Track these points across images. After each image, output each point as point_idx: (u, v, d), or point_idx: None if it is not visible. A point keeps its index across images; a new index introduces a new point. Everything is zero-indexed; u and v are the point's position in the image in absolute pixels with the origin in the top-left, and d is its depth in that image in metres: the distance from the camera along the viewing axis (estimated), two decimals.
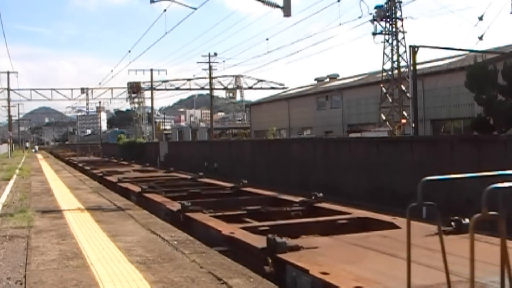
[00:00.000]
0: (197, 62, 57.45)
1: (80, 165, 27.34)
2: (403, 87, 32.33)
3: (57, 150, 76.45)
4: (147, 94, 63.66)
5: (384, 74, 33.71)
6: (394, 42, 32.80)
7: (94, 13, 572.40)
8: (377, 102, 34.53)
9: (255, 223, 7.62)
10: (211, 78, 57.39)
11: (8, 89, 60.36)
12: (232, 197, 11.16)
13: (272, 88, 61.73)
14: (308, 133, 47.00)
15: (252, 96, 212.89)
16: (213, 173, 29.16)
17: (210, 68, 56.99)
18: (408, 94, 30.26)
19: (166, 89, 60.96)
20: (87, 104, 79.76)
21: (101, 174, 18.25)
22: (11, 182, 17.25)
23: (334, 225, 7.31)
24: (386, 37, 32.84)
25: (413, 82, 25.25)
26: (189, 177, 16.08)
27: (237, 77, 60.79)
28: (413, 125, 25.30)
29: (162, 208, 9.42)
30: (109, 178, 16.82)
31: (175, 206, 8.93)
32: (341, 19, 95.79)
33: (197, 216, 8.01)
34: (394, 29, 32.69)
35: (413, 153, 18.22)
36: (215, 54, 56.60)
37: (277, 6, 15.86)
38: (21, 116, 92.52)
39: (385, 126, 33.21)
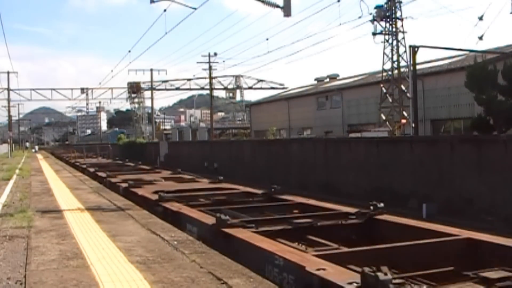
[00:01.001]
0: (197, 62, 57.65)
1: (91, 170, 21.35)
2: (403, 87, 32.34)
3: (58, 151, 75.17)
4: (147, 94, 63.83)
5: (384, 74, 33.72)
6: (394, 42, 32.82)
7: (93, 13, 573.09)
8: (377, 102, 34.53)
9: None
10: (211, 78, 57.42)
11: (8, 89, 60.44)
12: (379, 238, 6.66)
13: (272, 88, 61.83)
14: (308, 133, 47.00)
15: (252, 96, 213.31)
16: (213, 173, 29.15)
17: (210, 68, 57.09)
18: (408, 94, 30.26)
19: (166, 89, 61.09)
20: (87, 104, 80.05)
21: (125, 185, 12.95)
22: (11, 182, 17.24)
23: None
24: (386, 37, 32.87)
25: (413, 82, 25.26)
26: (258, 192, 11.13)
27: (237, 77, 60.89)
28: (413, 125, 25.30)
29: (293, 269, 4.90)
30: (140, 192, 11.51)
31: (337, 274, 4.38)
32: (341, 19, 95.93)
33: None
34: (394, 29, 32.70)
35: (413, 153, 18.21)
36: (215, 54, 56.77)
37: (277, 6, 15.86)
38: (21, 116, 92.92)
39: (385, 126, 33.21)
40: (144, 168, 22.46)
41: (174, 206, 9.00)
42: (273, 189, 10.55)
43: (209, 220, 7.23)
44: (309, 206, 8.97)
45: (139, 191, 11.62)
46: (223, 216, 6.80)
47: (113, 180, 15.42)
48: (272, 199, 10.21)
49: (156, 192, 10.57)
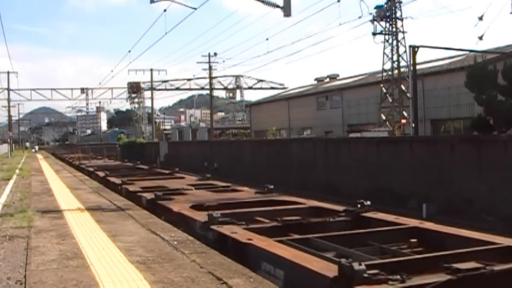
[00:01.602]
0: (197, 62, 57.74)
1: (100, 174, 18.01)
2: (403, 87, 32.35)
3: (59, 151, 74.65)
4: (147, 94, 63.87)
5: (384, 74, 33.72)
6: (394, 42, 32.83)
7: (92, 13, 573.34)
8: (377, 102, 34.54)
9: None
10: (211, 78, 57.45)
11: (8, 89, 60.43)
12: None
13: (272, 88, 61.86)
14: (308, 133, 47.01)
15: (252, 96, 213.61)
16: (213, 173, 29.15)
17: (210, 68, 57.13)
18: (408, 94, 30.27)
19: (166, 89, 61.13)
20: (87, 104, 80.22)
21: (151, 197, 10.00)
22: (11, 182, 17.23)
23: None
24: (386, 37, 32.88)
25: (413, 82, 25.27)
26: (335, 208, 8.43)
27: (237, 77, 60.92)
28: (413, 125, 25.31)
29: None
30: (175, 207, 8.56)
31: None
32: (341, 19, 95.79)
33: None
34: (394, 29, 32.71)
35: (413, 153, 18.22)
36: (215, 54, 56.83)
37: (277, 6, 15.87)
38: (21, 116, 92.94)
39: (385, 126, 33.22)
40: (162, 172, 19.45)
41: (237, 233, 6.17)
42: (359, 205, 7.50)
43: (318, 265, 4.60)
44: (433, 234, 6.18)
45: (173, 206, 8.72)
46: (356, 266, 4.08)
47: (131, 188, 12.62)
48: (364, 219, 7.28)
49: (196, 208, 8.21)
